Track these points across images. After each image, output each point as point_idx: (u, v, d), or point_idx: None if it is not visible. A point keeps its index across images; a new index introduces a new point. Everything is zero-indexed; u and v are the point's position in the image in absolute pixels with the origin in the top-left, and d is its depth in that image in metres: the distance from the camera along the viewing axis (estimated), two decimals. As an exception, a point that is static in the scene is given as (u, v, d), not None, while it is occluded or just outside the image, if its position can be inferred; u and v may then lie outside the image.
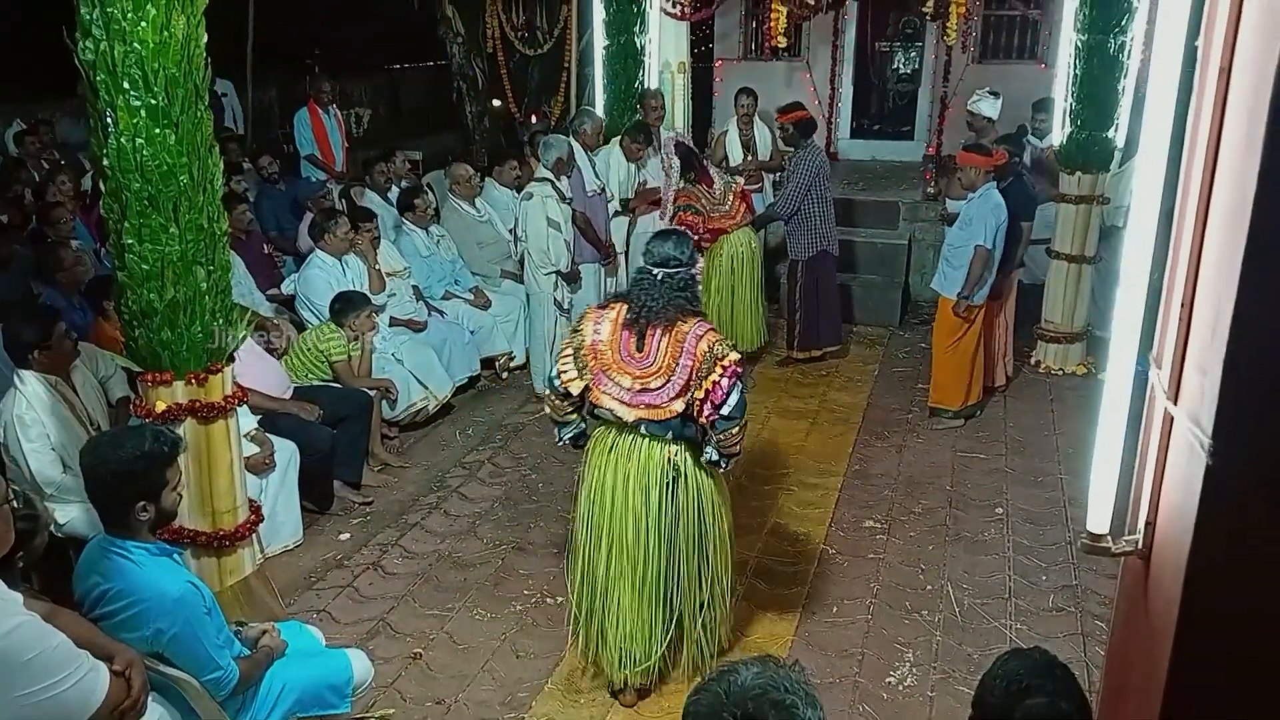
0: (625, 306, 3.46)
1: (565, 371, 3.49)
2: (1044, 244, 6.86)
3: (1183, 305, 1.57)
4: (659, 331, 3.37)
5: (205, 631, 2.77)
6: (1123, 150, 6.70)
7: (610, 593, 3.57)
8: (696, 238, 6.54)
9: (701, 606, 3.64)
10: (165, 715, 2.73)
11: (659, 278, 3.42)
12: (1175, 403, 1.60)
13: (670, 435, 3.46)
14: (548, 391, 3.61)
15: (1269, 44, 1.29)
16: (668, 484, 3.46)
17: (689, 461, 3.50)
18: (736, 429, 3.35)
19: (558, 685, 3.83)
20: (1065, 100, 6.55)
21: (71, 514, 3.94)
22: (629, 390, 3.41)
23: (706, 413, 3.33)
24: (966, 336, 5.94)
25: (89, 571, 2.76)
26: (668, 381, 3.36)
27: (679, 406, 3.38)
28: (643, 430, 3.45)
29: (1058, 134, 6.80)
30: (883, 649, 4.04)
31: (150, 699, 2.67)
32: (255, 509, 3.99)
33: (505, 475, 5.57)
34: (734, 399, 3.30)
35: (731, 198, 6.95)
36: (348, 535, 4.94)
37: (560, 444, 3.75)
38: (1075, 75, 6.36)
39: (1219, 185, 1.48)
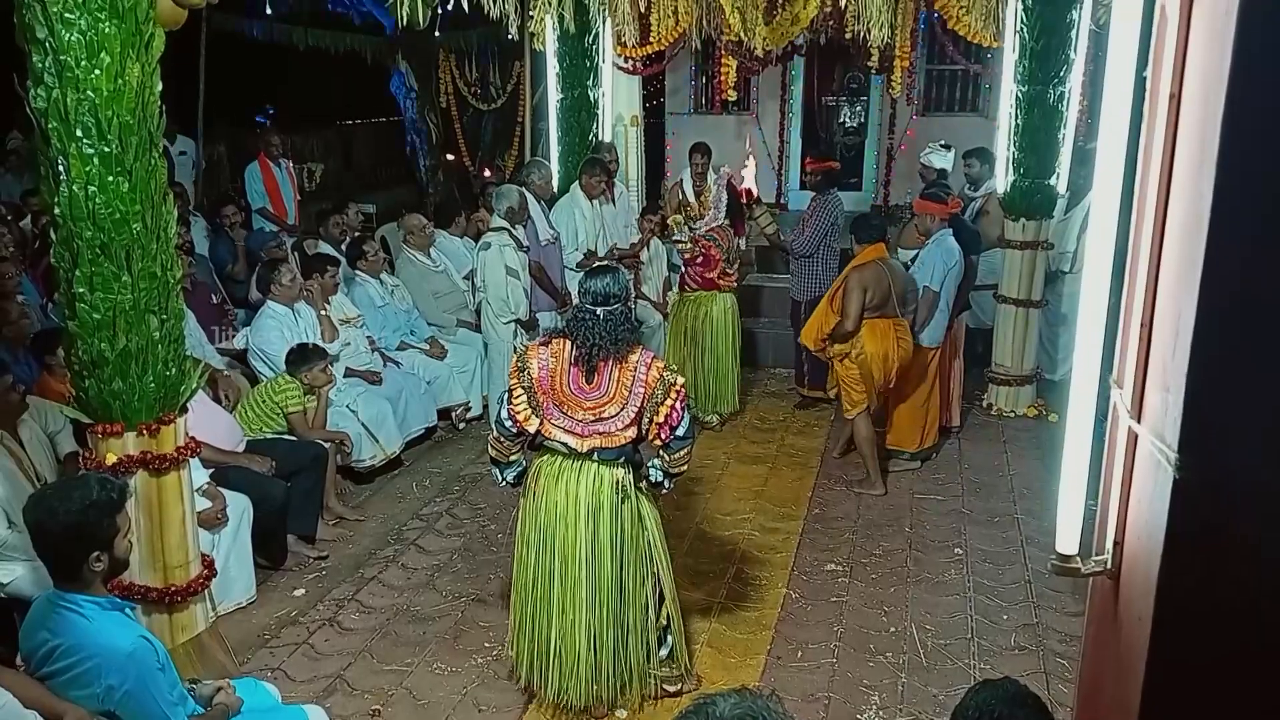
0: (569, 344, 3.58)
1: (520, 411, 3.61)
2: (991, 289, 6.99)
3: (1142, 325, 1.61)
4: (609, 364, 3.53)
5: (158, 688, 2.68)
6: (1066, 198, 6.88)
7: (564, 615, 3.66)
8: (693, 276, 6.65)
9: (655, 627, 3.76)
10: (116, 775, 2.63)
11: (601, 316, 3.54)
12: (1139, 421, 1.62)
13: (622, 460, 3.63)
14: (496, 435, 3.71)
15: (1217, 67, 1.34)
16: (617, 505, 3.61)
17: (633, 484, 3.67)
18: (687, 449, 3.62)
19: (522, 738, 3.75)
20: (1008, 150, 6.72)
21: (17, 572, 3.80)
22: (582, 422, 3.57)
23: (664, 435, 3.54)
24: (923, 378, 6.01)
25: (37, 628, 2.66)
26: (622, 409, 3.55)
27: (632, 433, 3.58)
28: (595, 458, 3.60)
29: (1001, 182, 6.97)
30: (849, 692, 4.01)
31: (101, 758, 2.58)
32: (208, 564, 3.88)
33: (463, 526, 5.49)
34: (686, 420, 3.56)
35: (739, 262, 7.00)
36: (302, 591, 4.82)
37: (502, 485, 3.88)
38: (1017, 125, 6.54)
39: (1173, 207, 1.52)
